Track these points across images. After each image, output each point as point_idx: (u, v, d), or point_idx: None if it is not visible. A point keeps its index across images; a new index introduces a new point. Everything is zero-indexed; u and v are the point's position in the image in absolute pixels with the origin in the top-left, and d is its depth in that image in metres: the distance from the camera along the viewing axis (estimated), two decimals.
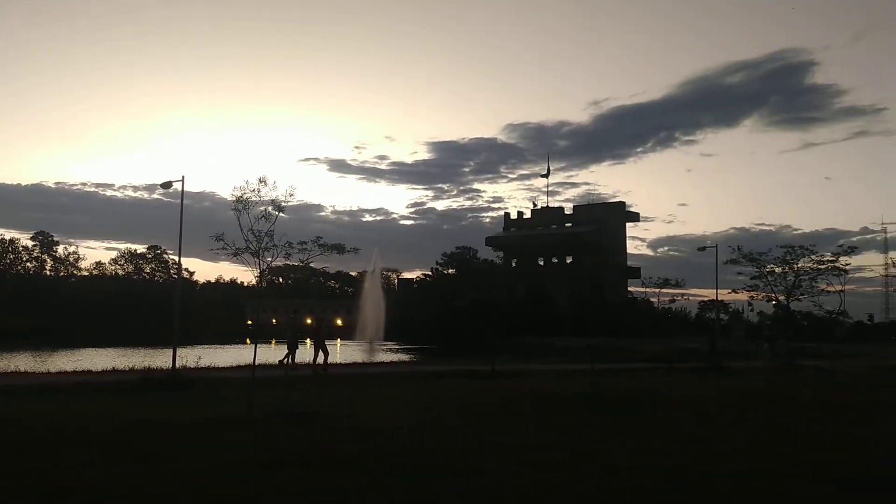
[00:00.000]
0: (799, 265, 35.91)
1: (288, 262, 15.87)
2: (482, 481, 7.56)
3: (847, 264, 35.10)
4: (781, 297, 37.66)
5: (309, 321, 24.88)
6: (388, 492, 7.01)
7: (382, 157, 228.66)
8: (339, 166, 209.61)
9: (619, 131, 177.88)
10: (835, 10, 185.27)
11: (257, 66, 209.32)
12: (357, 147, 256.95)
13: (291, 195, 13.58)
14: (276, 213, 13.41)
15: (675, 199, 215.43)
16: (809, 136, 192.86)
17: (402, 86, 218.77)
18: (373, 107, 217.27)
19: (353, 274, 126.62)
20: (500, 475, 7.87)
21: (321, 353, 23.72)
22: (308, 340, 26.43)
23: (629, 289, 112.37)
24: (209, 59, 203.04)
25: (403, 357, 42.46)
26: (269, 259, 13.80)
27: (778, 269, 36.50)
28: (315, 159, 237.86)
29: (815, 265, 35.53)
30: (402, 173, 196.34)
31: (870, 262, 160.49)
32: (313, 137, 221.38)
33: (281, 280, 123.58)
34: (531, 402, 15.40)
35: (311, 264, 15.61)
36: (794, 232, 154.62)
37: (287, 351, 24.04)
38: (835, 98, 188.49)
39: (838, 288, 35.85)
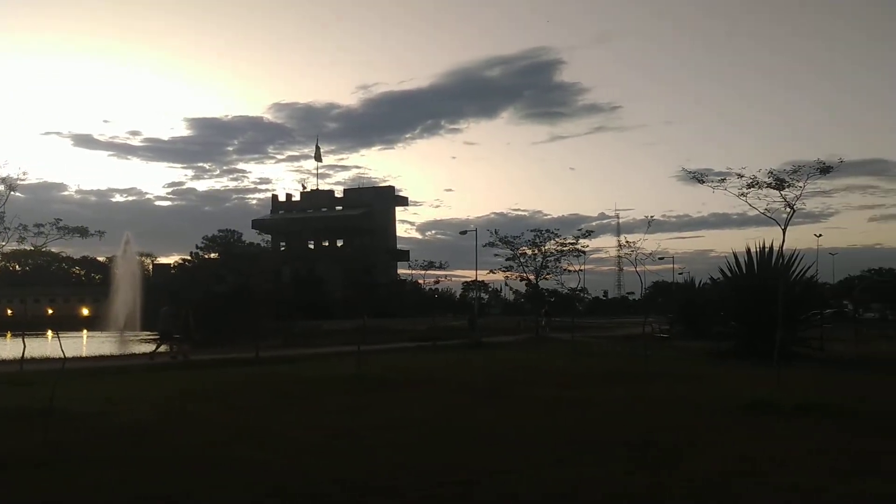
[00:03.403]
0: (546, 247, 39.61)
1: (22, 247, 14.60)
2: (234, 469, 7.51)
3: (586, 246, 39.22)
4: (532, 277, 41.30)
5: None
6: (129, 488, 6.69)
7: (135, 133, 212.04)
8: (84, 141, 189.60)
9: (388, 117, 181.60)
10: (579, 12, 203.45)
11: None
12: (106, 121, 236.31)
13: (25, 174, 12.52)
14: (8, 192, 12.39)
15: (441, 185, 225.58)
16: (557, 130, 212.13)
17: (156, 55, 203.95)
18: (122, 76, 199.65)
19: (101, 259, 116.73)
20: (252, 461, 7.86)
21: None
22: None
23: (399, 271, 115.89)
24: None
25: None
26: (2, 243, 12.76)
27: (529, 251, 40.00)
28: (58, 133, 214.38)
29: (560, 247, 39.39)
30: (158, 150, 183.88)
31: (605, 245, 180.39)
32: (55, 109, 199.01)
33: (17, 266, 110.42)
34: (294, 386, 15.40)
35: (52, 249, 14.43)
36: (545, 217, 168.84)
37: (160, 340, 24.78)
38: (578, 95, 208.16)
39: (578, 268, 39.90)
